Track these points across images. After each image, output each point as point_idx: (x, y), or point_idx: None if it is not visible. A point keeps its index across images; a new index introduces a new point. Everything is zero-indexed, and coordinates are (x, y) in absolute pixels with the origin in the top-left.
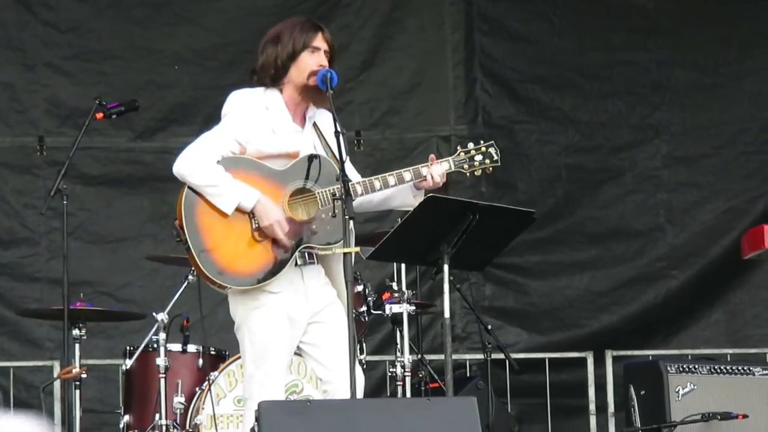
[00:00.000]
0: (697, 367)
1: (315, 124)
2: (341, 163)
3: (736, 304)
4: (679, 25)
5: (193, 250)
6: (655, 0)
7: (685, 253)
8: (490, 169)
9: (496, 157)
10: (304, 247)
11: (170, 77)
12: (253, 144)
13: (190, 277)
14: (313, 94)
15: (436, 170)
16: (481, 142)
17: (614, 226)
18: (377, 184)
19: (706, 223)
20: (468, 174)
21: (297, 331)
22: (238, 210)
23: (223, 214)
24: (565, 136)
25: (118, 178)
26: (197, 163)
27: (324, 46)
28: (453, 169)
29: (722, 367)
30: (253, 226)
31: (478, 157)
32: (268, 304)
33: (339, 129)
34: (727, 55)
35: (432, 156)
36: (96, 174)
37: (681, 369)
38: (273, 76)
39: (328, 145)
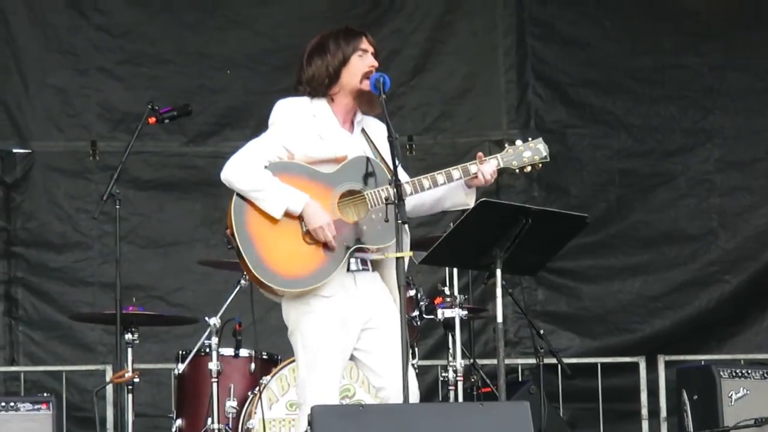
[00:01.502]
0: (750, 372)
1: (363, 131)
2: (394, 168)
3: None
4: (732, 28)
5: (244, 256)
6: (707, 3)
7: (737, 257)
8: (540, 165)
9: (545, 153)
10: (356, 249)
11: (222, 82)
12: (300, 150)
13: (242, 281)
14: (366, 98)
15: (486, 168)
16: (530, 138)
17: (667, 231)
18: (426, 183)
19: (759, 227)
20: (517, 171)
21: (350, 336)
22: (288, 214)
23: (273, 219)
24: (617, 140)
25: (170, 182)
26: (244, 168)
27: (370, 48)
28: (501, 165)
29: None
30: (303, 230)
31: (527, 154)
32: (320, 309)
33: (393, 134)
34: None
35: (480, 154)
36: (148, 178)
37: (734, 374)
38: (326, 85)
39: (378, 150)
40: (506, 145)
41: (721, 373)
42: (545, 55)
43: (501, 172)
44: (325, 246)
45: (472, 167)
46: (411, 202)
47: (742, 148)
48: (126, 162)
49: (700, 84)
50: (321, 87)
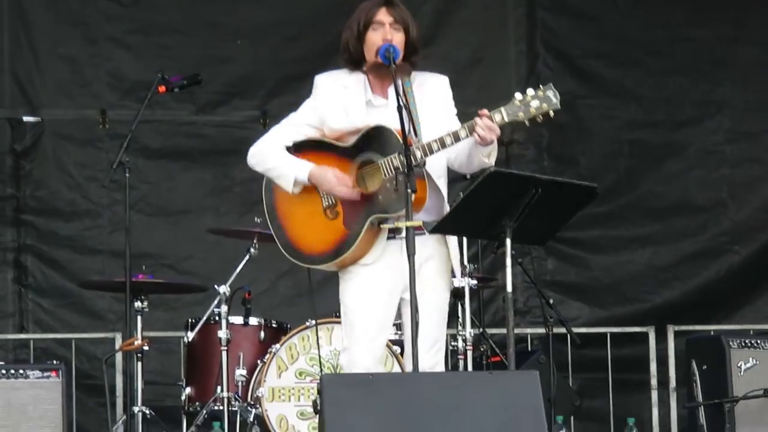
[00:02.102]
0: (759, 342)
1: (405, 94)
2: (404, 136)
3: None
4: (742, 1)
5: (274, 235)
6: None
7: (747, 228)
8: (552, 113)
9: (555, 101)
10: (375, 218)
11: (232, 51)
12: (327, 125)
13: (252, 250)
14: (379, 70)
15: (483, 123)
16: (540, 86)
17: (676, 201)
18: (435, 146)
19: None
20: (527, 122)
21: (391, 303)
22: (305, 189)
23: (295, 197)
24: (627, 112)
25: (180, 151)
26: (260, 151)
27: (388, 19)
28: (506, 119)
29: None
30: (324, 205)
31: (535, 104)
32: (359, 276)
33: (401, 103)
34: None
35: (483, 111)
36: (158, 147)
37: (743, 344)
38: (351, 61)
39: (416, 110)
40: (515, 95)
41: (731, 344)
42: (555, 26)
43: (510, 142)
44: (346, 217)
45: (478, 124)
46: (443, 162)
47: (752, 120)
48: (135, 130)
49: (710, 56)
50: (350, 60)
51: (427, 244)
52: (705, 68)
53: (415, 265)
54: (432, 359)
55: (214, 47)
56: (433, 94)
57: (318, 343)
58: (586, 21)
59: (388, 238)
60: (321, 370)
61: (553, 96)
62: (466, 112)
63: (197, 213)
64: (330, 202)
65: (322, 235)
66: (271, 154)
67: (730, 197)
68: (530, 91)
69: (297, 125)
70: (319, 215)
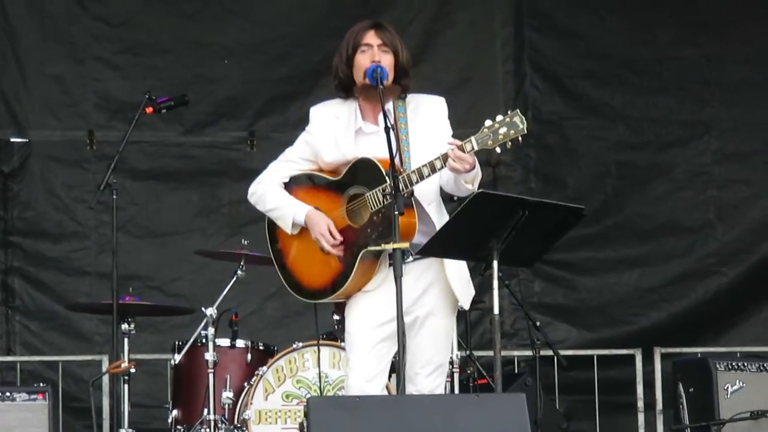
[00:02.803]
0: (746, 364)
1: (396, 118)
2: (391, 158)
3: None
4: (730, 21)
5: (277, 269)
6: None
7: (734, 249)
8: (520, 139)
9: (521, 126)
10: (366, 252)
11: (220, 71)
12: (320, 157)
13: (239, 271)
14: (368, 93)
15: (454, 154)
16: (509, 112)
17: (664, 223)
18: (414, 178)
19: (757, 219)
20: (497, 149)
21: (388, 327)
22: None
23: (293, 234)
24: (614, 132)
25: (167, 172)
26: (259, 191)
27: (376, 41)
28: (477, 147)
29: None
30: None
31: (503, 130)
32: (361, 303)
33: (388, 124)
34: None
35: (454, 141)
36: (145, 168)
37: (730, 366)
38: (342, 86)
39: (408, 132)
40: (484, 123)
41: (717, 366)
42: (543, 46)
43: (497, 163)
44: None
45: (450, 154)
46: (434, 187)
47: (740, 140)
48: (123, 151)
49: (698, 76)
50: (341, 85)
51: (429, 270)
52: (693, 88)
53: (419, 290)
54: (431, 384)
55: (201, 67)
56: (426, 116)
57: (319, 362)
58: (573, 40)
59: (390, 264)
60: (321, 388)
61: (519, 122)
62: (454, 133)
63: (185, 234)
64: None
65: (320, 269)
66: (269, 195)
67: (718, 218)
68: (498, 118)
69: (292, 161)
70: (315, 251)
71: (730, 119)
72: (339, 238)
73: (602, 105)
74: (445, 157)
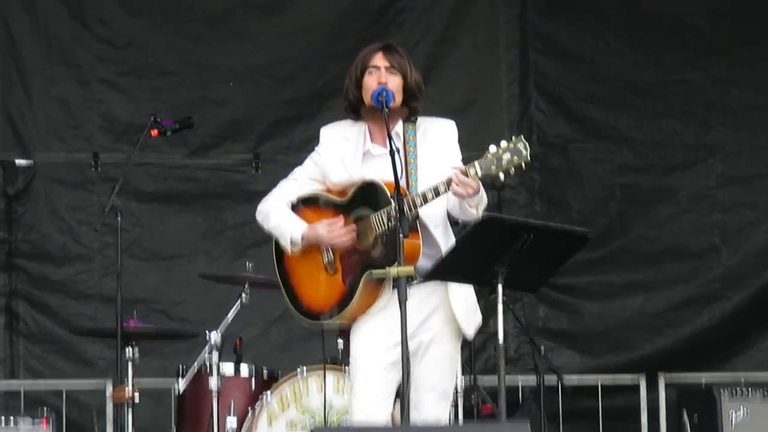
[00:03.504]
0: (751, 392)
1: (405, 141)
2: (396, 181)
3: None
4: (735, 44)
5: (282, 291)
6: (710, 18)
7: (739, 274)
8: (523, 166)
9: (525, 153)
10: (370, 273)
11: (225, 94)
12: (328, 178)
13: (244, 295)
14: (376, 115)
15: (457, 178)
16: (513, 138)
17: (668, 247)
18: (418, 201)
19: (762, 243)
20: (502, 175)
21: (393, 352)
22: (305, 246)
23: (297, 255)
24: (619, 155)
25: (172, 194)
26: (265, 209)
27: (383, 63)
28: (480, 173)
29: None
30: (324, 261)
31: (506, 156)
32: (366, 326)
33: (393, 147)
34: None
35: (458, 166)
36: (150, 190)
37: (734, 394)
38: (351, 108)
39: (416, 155)
40: (488, 149)
41: (722, 394)
42: (548, 69)
43: (501, 186)
44: (344, 273)
45: (453, 179)
46: (441, 210)
47: (745, 164)
48: (128, 174)
49: (703, 99)
50: (350, 107)
51: (434, 294)
52: (698, 111)
53: (423, 314)
54: (436, 410)
55: (206, 90)
56: (435, 139)
57: (324, 390)
58: (578, 64)
59: (394, 287)
60: (325, 417)
61: (523, 148)
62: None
63: (189, 257)
64: (329, 259)
65: (325, 291)
66: (272, 213)
67: (723, 242)
68: (503, 144)
69: (300, 180)
70: (321, 272)
71: (734, 143)
72: (341, 222)
73: (607, 128)
74: (449, 182)
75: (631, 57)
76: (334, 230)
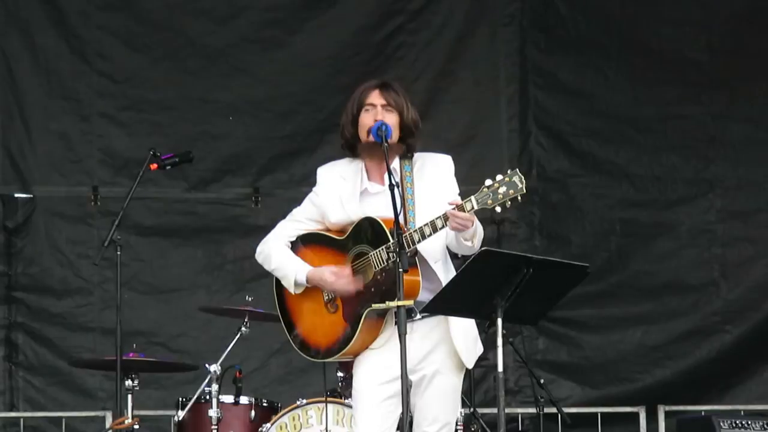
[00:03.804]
0: (750, 422)
1: (402, 177)
2: (395, 215)
3: None
4: (734, 79)
5: (284, 327)
6: (710, 53)
7: (739, 307)
8: (519, 198)
9: (520, 185)
10: (370, 311)
11: (224, 128)
12: (327, 218)
13: (243, 328)
14: (372, 152)
15: (455, 213)
16: (508, 171)
17: (668, 281)
18: (416, 237)
19: (760, 277)
20: (498, 208)
21: (394, 385)
22: (307, 286)
23: (299, 293)
24: (619, 190)
25: (171, 228)
26: (266, 251)
27: (380, 101)
28: (477, 207)
29: None
30: (325, 299)
31: (502, 190)
32: (367, 359)
33: (393, 181)
34: None
35: (453, 201)
36: (150, 224)
37: (734, 425)
38: (348, 146)
39: (413, 192)
40: (484, 182)
41: (721, 424)
42: (547, 104)
43: (501, 221)
44: (345, 311)
45: (451, 214)
46: (440, 244)
47: (744, 199)
48: (127, 208)
49: (703, 134)
50: (347, 145)
51: (437, 329)
52: (697, 146)
53: (426, 348)
54: None
55: (206, 124)
56: (432, 175)
57: (327, 422)
58: (578, 98)
59: (396, 322)
60: None
61: (518, 181)
62: (459, 190)
63: (189, 291)
64: (330, 297)
65: (327, 329)
66: (274, 254)
67: (722, 277)
68: (498, 177)
69: (299, 220)
70: (322, 310)
71: (734, 177)
72: (348, 271)
73: (607, 163)
74: (446, 217)
75: (631, 92)
76: (341, 278)
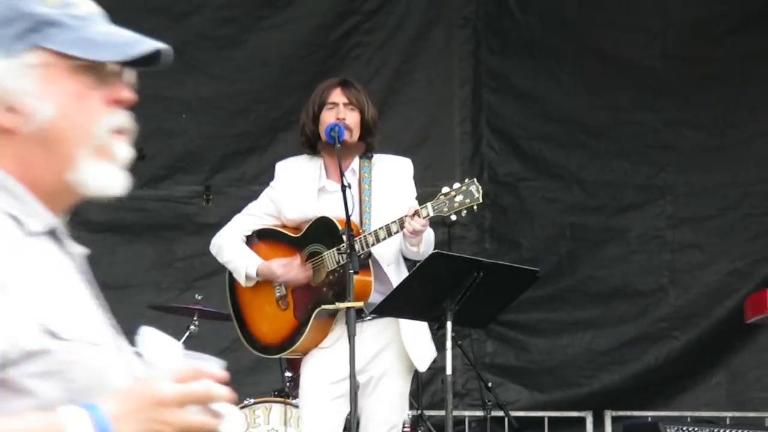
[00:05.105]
0: (696, 429)
1: (361, 178)
2: (347, 216)
3: (737, 366)
4: (688, 86)
5: (234, 321)
6: (664, 60)
7: (687, 314)
8: (475, 208)
9: (477, 195)
10: (321, 310)
11: (178, 125)
12: (283, 214)
13: (192, 326)
14: (330, 149)
15: (414, 221)
16: (466, 180)
17: (617, 286)
18: (370, 240)
19: (710, 284)
20: (454, 215)
21: (342, 385)
22: (258, 280)
23: (250, 289)
24: (570, 195)
25: (122, 225)
26: (219, 242)
27: (341, 99)
28: (432, 214)
29: (722, 431)
30: (276, 295)
31: (459, 198)
32: (316, 359)
33: (344, 183)
34: (736, 117)
35: (412, 207)
36: (101, 221)
37: (680, 431)
38: (309, 144)
39: (370, 193)
40: (441, 191)
41: (668, 430)
42: (500, 107)
43: (452, 223)
44: (295, 309)
45: (407, 221)
46: (394, 248)
47: (695, 206)
48: (78, 204)
49: (655, 140)
50: (307, 143)
51: (387, 330)
52: (649, 152)
53: (375, 349)
54: None
55: (159, 121)
56: (391, 177)
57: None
58: (531, 102)
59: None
60: None
61: (475, 191)
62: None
63: (138, 288)
64: (281, 293)
65: (277, 325)
66: (227, 247)
67: (671, 283)
68: (455, 186)
69: (255, 215)
70: (273, 306)
71: (685, 184)
72: (297, 261)
73: (558, 167)
74: (401, 222)
75: (584, 97)
76: (291, 269)
